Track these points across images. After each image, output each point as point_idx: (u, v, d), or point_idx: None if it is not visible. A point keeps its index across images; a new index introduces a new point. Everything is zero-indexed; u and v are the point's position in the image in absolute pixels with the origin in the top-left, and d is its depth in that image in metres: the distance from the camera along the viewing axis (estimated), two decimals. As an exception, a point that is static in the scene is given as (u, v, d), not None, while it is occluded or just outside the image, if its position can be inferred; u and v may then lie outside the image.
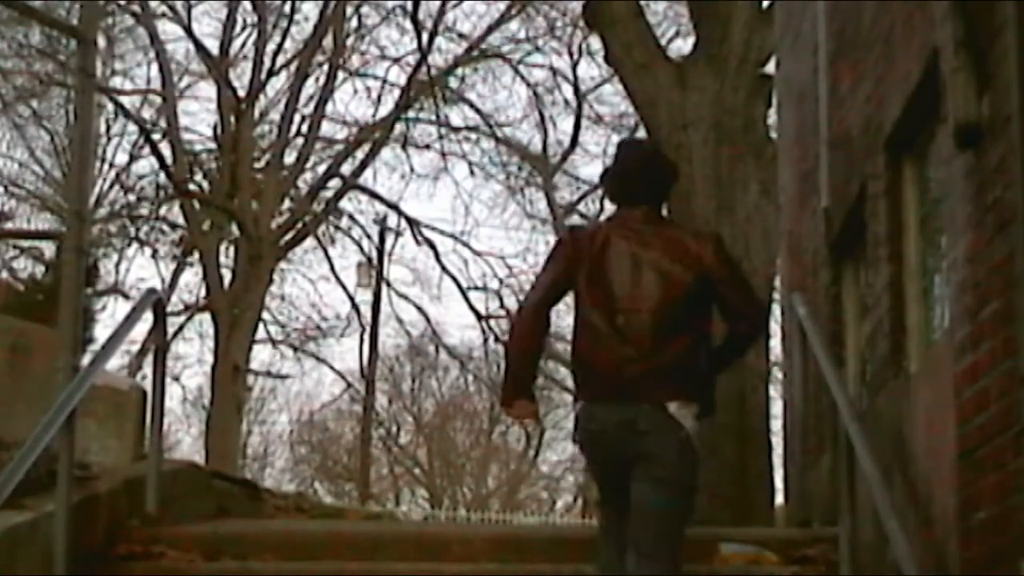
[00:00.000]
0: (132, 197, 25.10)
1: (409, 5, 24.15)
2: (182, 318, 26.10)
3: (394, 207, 27.09)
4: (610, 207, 5.23)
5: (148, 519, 5.91)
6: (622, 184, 5.16)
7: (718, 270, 4.99)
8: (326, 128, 25.71)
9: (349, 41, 25.49)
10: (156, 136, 24.02)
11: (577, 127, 25.98)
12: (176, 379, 28.95)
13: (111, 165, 25.19)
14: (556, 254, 5.13)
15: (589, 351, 4.98)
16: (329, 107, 25.32)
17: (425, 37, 24.28)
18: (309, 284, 27.50)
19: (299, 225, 25.02)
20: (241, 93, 24.32)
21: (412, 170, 26.60)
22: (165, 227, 25.66)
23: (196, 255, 25.00)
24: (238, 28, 25.10)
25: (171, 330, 23.71)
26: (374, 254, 27.48)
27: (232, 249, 24.39)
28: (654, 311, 4.90)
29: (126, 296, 24.92)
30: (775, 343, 11.10)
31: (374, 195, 26.85)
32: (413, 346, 32.69)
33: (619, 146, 5.44)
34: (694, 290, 4.94)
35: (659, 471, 4.80)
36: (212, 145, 25.12)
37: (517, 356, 5.12)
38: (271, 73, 24.95)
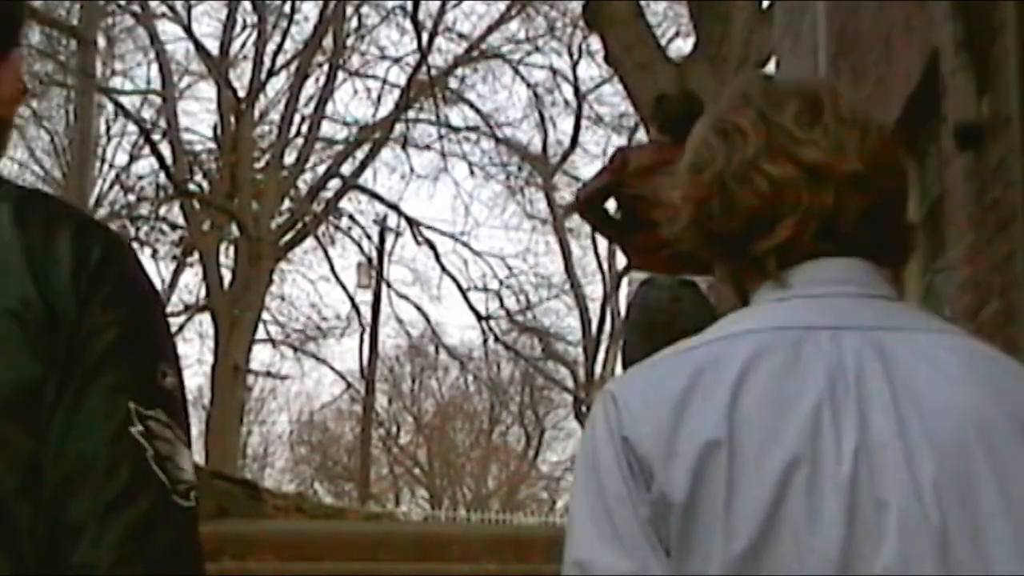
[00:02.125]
0: (132, 197, 25.10)
1: (409, 5, 24.16)
2: (182, 318, 26.12)
3: (394, 207, 27.12)
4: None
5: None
6: (665, 119, 6.75)
7: None
8: (326, 128, 25.75)
9: (349, 41, 25.51)
10: (156, 136, 24.00)
11: (577, 127, 26.03)
12: (176, 379, 28.95)
13: (111, 165, 25.20)
14: (611, 164, 6.80)
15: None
16: (329, 107, 25.36)
17: (425, 37, 24.31)
18: (309, 284, 27.52)
19: (299, 225, 25.02)
20: (241, 93, 24.32)
21: (412, 170, 26.66)
22: (165, 227, 25.64)
23: (196, 255, 25.00)
24: (238, 28, 25.13)
25: (171, 330, 23.67)
26: (374, 254, 27.48)
27: (232, 249, 24.38)
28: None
29: (126, 296, 24.88)
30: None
31: (374, 195, 26.88)
32: (413, 346, 32.69)
33: (682, 94, 7.69)
34: None
35: None
36: (212, 145, 25.13)
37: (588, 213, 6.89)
38: (271, 73, 24.97)
